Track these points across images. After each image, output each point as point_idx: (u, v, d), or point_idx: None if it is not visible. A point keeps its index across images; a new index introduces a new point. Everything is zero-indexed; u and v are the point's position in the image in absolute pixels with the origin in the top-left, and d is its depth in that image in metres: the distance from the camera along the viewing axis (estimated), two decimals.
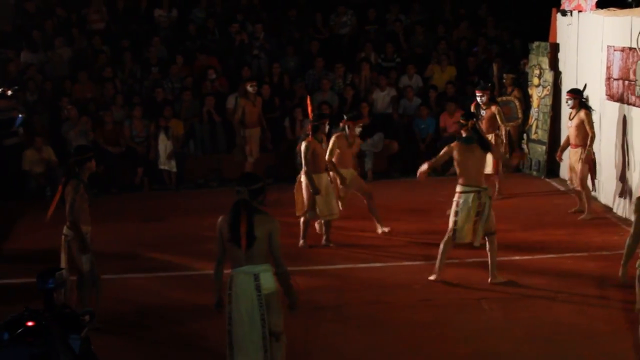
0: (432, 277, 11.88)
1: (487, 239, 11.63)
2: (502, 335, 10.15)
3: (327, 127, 13.74)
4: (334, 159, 13.90)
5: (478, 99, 16.17)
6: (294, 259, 13.13)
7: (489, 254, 11.71)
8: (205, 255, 13.60)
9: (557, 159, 15.76)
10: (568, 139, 15.22)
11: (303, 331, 10.29)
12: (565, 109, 16.24)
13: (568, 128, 14.95)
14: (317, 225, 14.24)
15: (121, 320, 10.96)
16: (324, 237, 13.90)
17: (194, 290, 11.97)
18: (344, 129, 14.12)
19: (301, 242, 13.80)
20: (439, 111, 19.47)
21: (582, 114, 14.72)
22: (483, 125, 15.85)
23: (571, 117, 14.84)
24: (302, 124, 18.72)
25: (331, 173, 13.86)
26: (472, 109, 16.32)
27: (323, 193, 13.54)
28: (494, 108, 16.38)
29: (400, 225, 14.49)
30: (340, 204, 14.05)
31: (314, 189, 13.40)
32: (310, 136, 13.59)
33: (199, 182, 18.93)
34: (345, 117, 14.35)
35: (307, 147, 13.44)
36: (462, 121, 11.92)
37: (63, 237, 10.53)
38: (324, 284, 12.05)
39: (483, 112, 16.12)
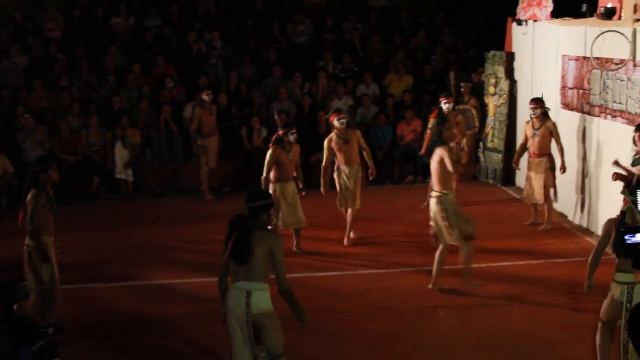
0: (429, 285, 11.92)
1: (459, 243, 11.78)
2: (458, 343, 10.19)
3: (294, 137, 13.72)
4: (337, 161, 14.30)
5: (444, 105, 16.14)
6: None
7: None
8: (162, 264, 13.61)
9: (515, 166, 15.80)
10: (523, 147, 15.26)
11: None
12: (521, 117, 16.39)
13: (531, 137, 14.87)
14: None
15: (79, 330, 10.88)
16: (295, 243, 13.87)
17: (152, 300, 11.95)
18: (331, 126, 14.44)
19: None
20: (396, 119, 19.54)
21: (549, 124, 14.75)
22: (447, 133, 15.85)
23: (536, 127, 14.83)
24: (259, 132, 18.74)
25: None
26: (433, 118, 16.34)
27: (290, 202, 13.57)
28: (459, 117, 16.47)
29: (358, 233, 14.51)
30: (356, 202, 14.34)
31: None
32: (272, 144, 13.63)
33: (156, 191, 18.84)
34: (331, 112, 14.75)
35: (270, 155, 13.48)
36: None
37: (25, 247, 10.47)
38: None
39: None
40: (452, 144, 15.45)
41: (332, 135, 14.35)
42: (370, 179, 14.55)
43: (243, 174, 18.64)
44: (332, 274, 12.89)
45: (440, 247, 11.79)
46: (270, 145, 13.69)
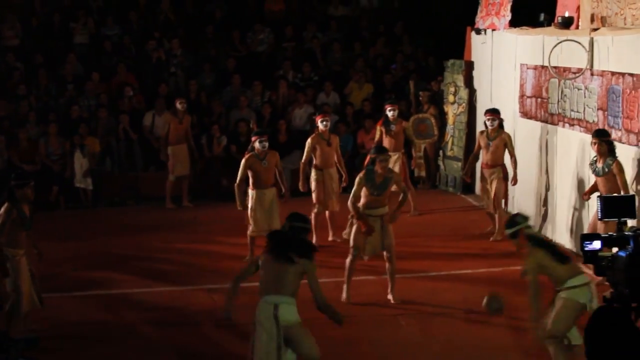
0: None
1: None
2: (419, 351, 10.23)
3: (262, 145, 13.72)
4: (316, 162, 14.65)
5: (389, 113, 16.28)
6: (209, 275, 13.14)
7: None
8: (123, 273, 13.55)
9: (465, 177, 16.02)
10: (475, 157, 15.38)
11: (218, 349, 10.31)
12: (480, 126, 16.47)
13: (485, 148, 14.90)
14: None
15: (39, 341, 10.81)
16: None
17: (112, 310, 11.89)
18: (315, 127, 14.89)
19: (248, 255, 13.79)
20: (357, 128, 19.59)
21: (505, 135, 14.85)
22: (390, 142, 16.05)
23: (491, 138, 14.91)
24: (219, 141, 18.73)
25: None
26: (380, 126, 16.42)
27: (266, 209, 13.67)
28: (404, 123, 16.61)
29: (319, 242, 14.51)
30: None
31: (239, 203, 13.56)
32: (246, 152, 13.75)
33: (116, 200, 18.75)
34: (316, 113, 15.45)
35: (242, 164, 13.61)
36: None
37: None
38: (242, 302, 11.97)
39: (393, 127, 16.24)
40: (397, 155, 15.83)
41: (316, 135, 14.71)
42: (343, 185, 14.80)
43: (203, 182, 18.64)
44: None
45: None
46: (245, 153, 13.83)
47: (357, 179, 11.90)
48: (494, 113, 15.03)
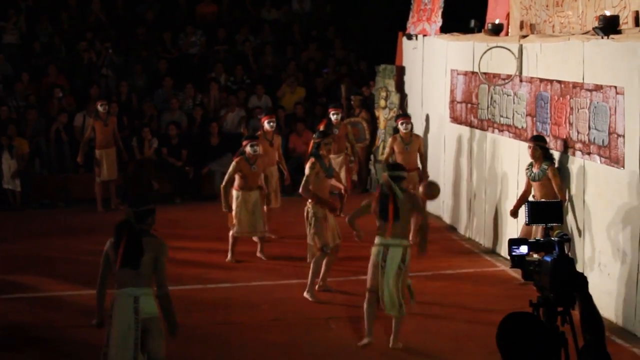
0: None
1: None
2: (350, 354, 10.25)
3: (253, 149, 13.79)
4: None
5: (332, 116, 16.38)
6: None
7: None
8: (52, 276, 13.41)
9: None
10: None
11: None
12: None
13: (401, 152, 15.09)
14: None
15: None
16: (258, 249, 14.23)
17: (40, 313, 11.75)
18: (261, 128, 15.30)
19: (229, 256, 13.96)
20: (288, 132, 19.63)
21: (419, 139, 15.46)
22: (333, 144, 16.20)
23: (407, 142, 15.15)
24: (150, 143, 18.63)
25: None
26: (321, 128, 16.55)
27: (250, 211, 13.79)
28: (347, 128, 16.73)
29: (250, 246, 14.51)
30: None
31: (225, 205, 13.65)
32: (235, 156, 13.88)
33: (45, 202, 18.57)
34: (263, 114, 16.08)
35: (233, 167, 13.70)
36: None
37: None
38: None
39: (336, 130, 16.35)
40: (341, 156, 16.04)
41: (260, 135, 14.92)
42: (287, 183, 15.56)
43: (134, 185, 18.54)
44: (223, 285, 12.87)
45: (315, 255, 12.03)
46: (234, 156, 13.93)
47: (308, 164, 11.92)
48: (407, 117, 15.44)
